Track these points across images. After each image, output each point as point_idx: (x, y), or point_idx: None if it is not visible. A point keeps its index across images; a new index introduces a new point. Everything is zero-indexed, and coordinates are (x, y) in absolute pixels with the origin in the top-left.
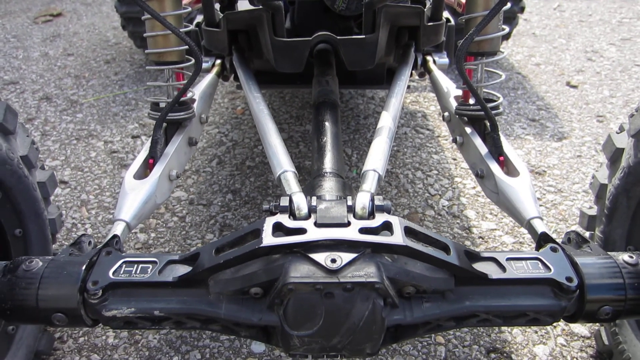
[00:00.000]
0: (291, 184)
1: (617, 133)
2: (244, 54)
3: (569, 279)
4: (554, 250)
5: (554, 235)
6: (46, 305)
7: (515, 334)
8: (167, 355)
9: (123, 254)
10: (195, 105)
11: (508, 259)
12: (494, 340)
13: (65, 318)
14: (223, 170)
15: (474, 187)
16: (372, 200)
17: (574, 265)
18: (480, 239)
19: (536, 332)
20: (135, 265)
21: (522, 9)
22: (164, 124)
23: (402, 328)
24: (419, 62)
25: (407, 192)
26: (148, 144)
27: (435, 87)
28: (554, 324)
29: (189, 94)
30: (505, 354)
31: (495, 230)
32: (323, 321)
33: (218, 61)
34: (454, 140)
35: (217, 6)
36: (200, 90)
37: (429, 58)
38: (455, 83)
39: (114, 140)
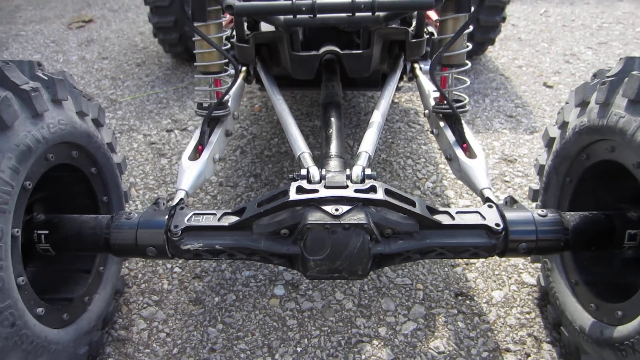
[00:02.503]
0: (308, 160)
1: (553, 126)
2: (265, 62)
3: (497, 225)
4: (490, 206)
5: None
6: (142, 242)
7: (478, 282)
8: (209, 297)
9: (192, 209)
10: (229, 104)
11: (457, 212)
12: (461, 287)
13: (155, 250)
14: (245, 159)
15: (454, 185)
16: (364, 171)
17: (502, 216)
18: None
19: (495, 281)
20: (201, 216)
21: (503, 19)
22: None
23: (383, 257)
24: (408, 68)
25: (399, 176)
26: (197, 134)
27: (420, 89)
28: (509, 275)
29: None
30: (469, 297)
31: (469, 206)
32: (330, 249)
33: (244, 68)
34: (432, 132)
35: (245, 25)
36: (232, 92)
37: (415, 65)
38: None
39: (151, 134)
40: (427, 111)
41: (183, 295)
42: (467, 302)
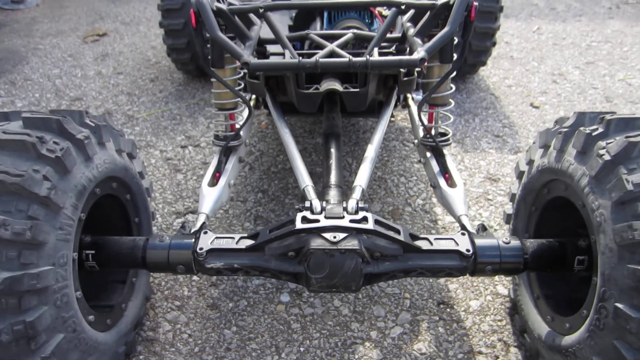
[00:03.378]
0: (311, 193)
1: (523, 160)
2: (274, 92)
3: (468, 250)
4: (462, 234)
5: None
6: (173, 261)
7: (458, 293)
8: (224, 302)
9: (213, 233)
10: (242, 134)
11: (435, 239)
12: (443, 297)
13: (183, 268)
14: (254, 175)
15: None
16: (357, 204)
17: (473, 243)
18: (443, 229)
19: (473, 292)
20: (222, 239)
21: (494, 43)
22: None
23: (372, 276)
24: (402, 98)
25: (392, 193)
26: (215, 162)
27: (411, 119)
28: (486, 287)
29: (237, 126)
30: (449, 305)
31: (454, 223)
32: (329, 270)
33: (253, 96)
34: (420, 161)
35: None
36: (243, 120)
37: (408, 95)
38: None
39: (167, 150)
40: (416, 141)
41: (201, 301)
42: (448, 310)
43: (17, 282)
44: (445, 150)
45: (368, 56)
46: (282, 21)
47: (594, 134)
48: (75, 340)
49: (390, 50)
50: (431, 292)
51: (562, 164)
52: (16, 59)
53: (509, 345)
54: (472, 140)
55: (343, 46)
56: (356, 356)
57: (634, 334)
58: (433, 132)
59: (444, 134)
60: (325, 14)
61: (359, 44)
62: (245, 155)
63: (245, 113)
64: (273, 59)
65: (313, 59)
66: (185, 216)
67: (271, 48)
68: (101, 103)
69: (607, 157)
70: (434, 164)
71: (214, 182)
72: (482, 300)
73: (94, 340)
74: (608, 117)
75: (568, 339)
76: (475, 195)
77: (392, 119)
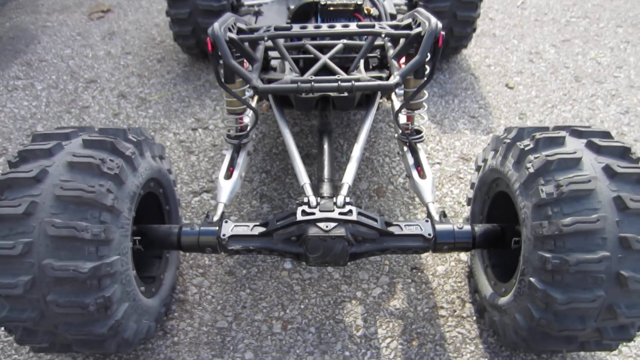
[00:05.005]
0: (308, 190)
1: (481, 158)
2: (275, 95)
3: (429, 234)
4: (426, 221)
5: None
6: (202, 244)
7: (428, 260)
8: (239, 269)
9: (234, 221)
10: (249, 123)
11: (405, 225)
12: (415, 263)
13: (210, 249)
14: (258, 156)
15: None
16: (344, 199)
17: (434, 228)
18: (419, 204)
19: (440, 259)
20: (240, 227)
21: (474, 29)
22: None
23: (356, 254)
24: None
25: (377, 172)
26: (228, 158)
27: (393, 113)
28: (451, 255)
29: (245, 120)
30: (420, 270)
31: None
32: (322, 251)
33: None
34: (398, 154)
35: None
36: (250, 116)
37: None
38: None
39: (180, 132)
40: (396, 135)
41: (220, 269)
42: (419, 273)
43: (98, 269)
44: (419, 146)
45: (354, 81)
46: (280, 12)
47: (526, 148)
48: (135, 307)
49: (375, 55)
50: (406, 260)
51: (504, 168)
52: (28, 37)
53: (465, 301)
54: (450, 122)
55: (334, 56)
56: (345, 312)
57: (540, 299)
58: (409, 131)
59: (419, 132)
60: (319, 17)
61: (348, 51)
62: (252, 149)
63: (252, 113)
64: (276, 84)
65: (309, 84)
66: (201, 195)
67: (272, 53)
68: (115, 85)
69: (531, 170)
70: (409, 157)
71: (228, 175)
72: (447, 266)
73: (146, 305)
74: (537, 135)
75: (503, 300)
76: (449, 174)
77: (380, 100)
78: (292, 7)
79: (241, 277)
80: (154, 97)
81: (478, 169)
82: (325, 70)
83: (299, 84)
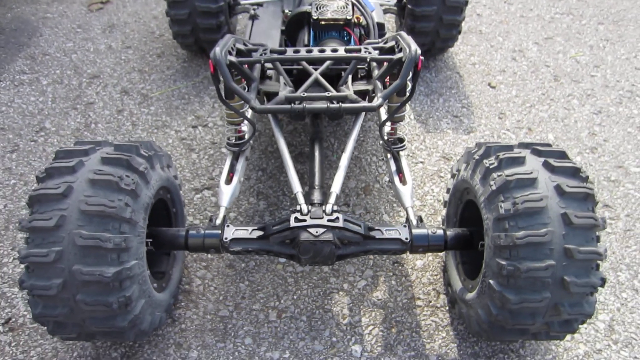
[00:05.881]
0: (300, 198)
1: (455, 167)
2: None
3: (406, 238)
4: (404, 225)
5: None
6: (207, 245)
7: (408, 255)
8: (238, 263)
9: (235, 226)
10: (246, 136)
11: (386, 230)
12: (396, 258)
13: (213, 250)
14: (254, 154)
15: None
16: (332, 207)
17: (410, 232)
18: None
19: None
20: (240, 231)
21: (459, 32)
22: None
23: (342, 255)
24: None
25: (365, 171)
26: (228, 164)
27: (379, 119)
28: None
29: (244, 128)
30: (401, 264)
31: (415, 202)
32: (313, 253)
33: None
34: (383, 159)
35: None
36: (247, 125)
37: None
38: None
39: (181, 130)
40: (381, 142)
41: (221, 262)
42: (400, 267)
43: (119, 273)
44: (402, 153)
45: (341, 103)
46: (275, 15)
47: (490, 167)
48: (150, 302)
49: (363, 67)
50: (388, 257)
51: (473, 182)
52: (29, 29)
53: (439, 293)
54: (434, 121)
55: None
56: (333, 302)
57: (497, 299)
58: (392, 139)
59: (401, 140)
60: (312, 30)
61: (337, 63)
62: (249, 155)
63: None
64: (271, 104)
65: (301, 106)
66: (202, 192)
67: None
68: (117, 81)
69: (494, 187)
70: (391, 164)
71: (228, 180)
72: (425, 261)
73: (158, 299)
74: (501, 155)
75: (470, 295)
76: (431, 173)
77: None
78: (286, 10)
79: (240, 270)
80: (155, 93)
81: (453, 176)
82: (316, 84)
83: (293, 105)
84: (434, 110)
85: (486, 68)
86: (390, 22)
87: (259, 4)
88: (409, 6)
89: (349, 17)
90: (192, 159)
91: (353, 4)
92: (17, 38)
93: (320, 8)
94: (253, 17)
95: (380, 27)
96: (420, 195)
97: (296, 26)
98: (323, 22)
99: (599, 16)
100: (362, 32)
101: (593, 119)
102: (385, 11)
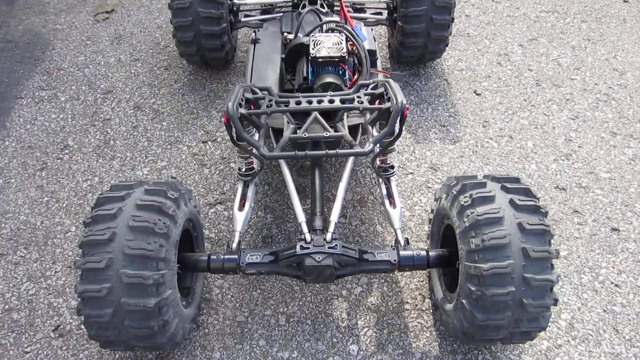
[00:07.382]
0: (304, 228)
1: (437, 194)
2: (277, 136)
3: (395, 260)
4: (393, 248)
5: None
6: (226, 268)
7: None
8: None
9: (249, 250)
10: (256, 167)
11: (377, 253)
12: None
13: (231, 272)
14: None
15: (398, 185)
16: (332, 235)
17: (398, 254)
18: None
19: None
20: (254, 255)
21: (446, 45)
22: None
23: (340, 275)
24: None
25: (360, 183)
26: (240, 192)
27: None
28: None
29: (254, 160)
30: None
31: (405, 212)
32: (315, 274)
33: None
34: (375, 183)
35: None
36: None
37: None
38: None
39: (192, 145)
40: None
41: (237, 279)
42: (391, 275)
43: (159, 303)
44: (392, 179)
45: (338, 149)
46: (275, 37)
47: (465, 204)
48: (181, 319)
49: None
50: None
51: (451, 213)
52: (42, 42)
53: (425, 297)
54: (423, 131)
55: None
56: (333, 307)
57: (468, 316)
58: (383, 167)
59: (392, 167)
60: (309, 65)
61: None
62: (258, 180)
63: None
64: (278, 151)
65: (303, 152)
66: (215, 207)
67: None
68: (129, 96)
69: (466, 224)
70: (383, 188)
71: (241, 207)
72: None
73: (187, 315)
74: (474, 194)
75: (449, 306)
76: (419, 184)
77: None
78: (284, 31)
79: (253, 280)
80: (166, 108)
81: (436, 200)
82: (316, 120)
83: (297, 152)
84: (423, 120)
85: (472, 74)
86: (382, 35)
87: (259, 24)
88: (399, 23)
89: (343, 55)
90: (204, 174)
91: (347, 37)
92: (32, 52)
93: (317, 45)
94: (254, 41)
95: (372, 54)
96: (409, 206)
97: (296, 55)
98: (320, 60)
99: (583, 13)
100: (356, 60)
101: (570, 124)
102: (377, 22)
